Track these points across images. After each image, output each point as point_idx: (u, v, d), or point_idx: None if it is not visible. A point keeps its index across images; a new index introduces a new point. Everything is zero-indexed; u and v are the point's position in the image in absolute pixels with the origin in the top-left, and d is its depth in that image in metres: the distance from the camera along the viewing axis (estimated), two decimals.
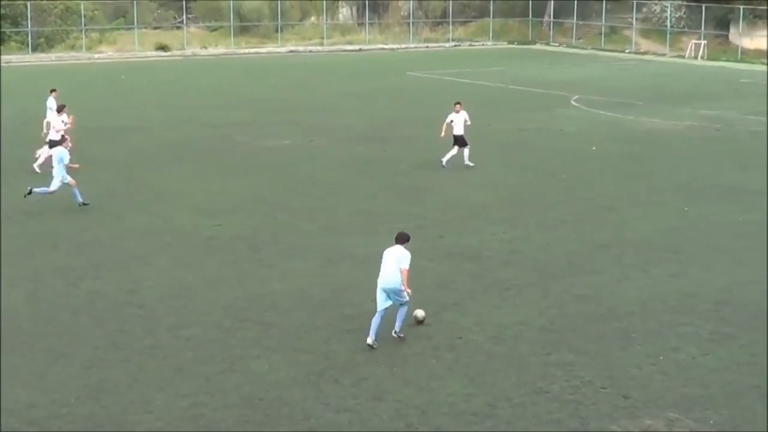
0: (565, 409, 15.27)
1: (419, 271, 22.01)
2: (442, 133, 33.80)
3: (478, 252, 23.69)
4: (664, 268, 22.55)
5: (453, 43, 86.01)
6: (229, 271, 22.07)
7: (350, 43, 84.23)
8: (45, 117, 34.10)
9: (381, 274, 18.05)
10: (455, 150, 33.61)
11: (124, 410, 15.13)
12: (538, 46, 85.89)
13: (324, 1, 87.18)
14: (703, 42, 77.53)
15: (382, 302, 17.90)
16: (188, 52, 76.43)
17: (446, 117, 33.79)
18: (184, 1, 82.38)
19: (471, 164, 33.63)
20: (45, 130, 32.54)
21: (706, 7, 78.90)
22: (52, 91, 36.09)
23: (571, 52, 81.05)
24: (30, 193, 27.45)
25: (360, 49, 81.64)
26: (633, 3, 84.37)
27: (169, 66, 68.37)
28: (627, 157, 35.88)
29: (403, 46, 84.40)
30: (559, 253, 23.69)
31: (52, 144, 30.63)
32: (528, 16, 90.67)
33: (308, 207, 28.27)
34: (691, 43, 78.14)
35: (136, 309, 19.53)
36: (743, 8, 77.19)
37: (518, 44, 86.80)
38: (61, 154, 27.35)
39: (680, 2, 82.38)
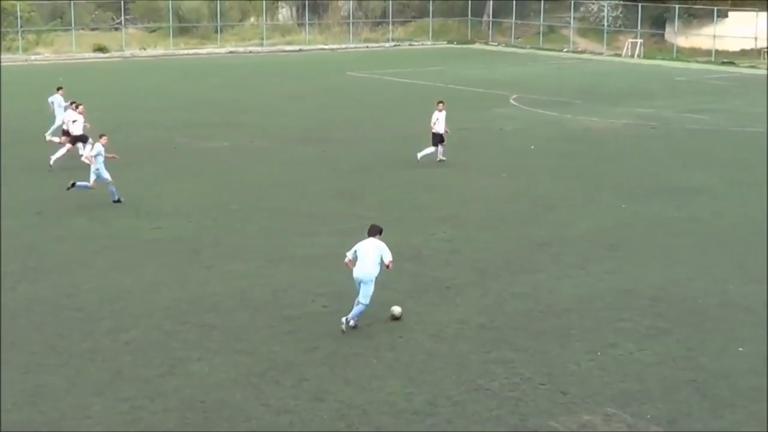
0: (504, 406, 15.37)
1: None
2: (434, 131, 34.24)
3: (419, 252, 23.76)
4: (602, 265, 22.76)
5: (393, 43, 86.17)
6: (168, 274, 21.96)
7: (290, 43, 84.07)
8: (54, 115, 36.56)
9: (358, 265, 18.57)
10: (433, 148, 34.09)
11: (62, 416, 15.01)
12: (477, 46, 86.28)
13: (264, 2, 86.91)
14: (639, 41, 78.30)
15: (365, 296, 18.54)
16: (127, 53, 75.90)
17: (431, 116, 34.34)
18: (122, 2, 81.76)
19: (444, 159, 34.13)
20: (65, 128, 33.68)
21: (642, 7, 79.70)
22: (59, 89, 37.60)
23: (510, 52, 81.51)
24: (73, 186, 28.20)
25: (300, 50, 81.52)
26: (571, 2, 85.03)
27: (107, 67, 67.86)
28: (565, 155, 36.14)
29: (343, 46, 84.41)
30: (498, 251, 23.83)
31: (76, 139, 32.66)
32: (467, 16, 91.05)
33: (248, 208, 28.19)
34: (627, 42, 78.87)
35: (75, 313, 19.37)
36: (678, 7, 78.07)
37: (457, 44, 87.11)
38: (98, 149, 28.35)
39: (617, 2, 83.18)
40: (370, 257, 18.53)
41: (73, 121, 33.08)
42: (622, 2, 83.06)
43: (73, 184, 28.22)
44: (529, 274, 22.07)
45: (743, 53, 74.73)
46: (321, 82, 59.28)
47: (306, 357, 17.23)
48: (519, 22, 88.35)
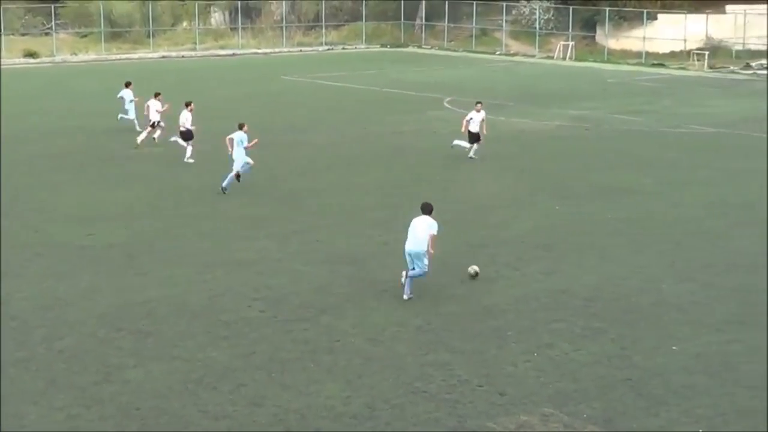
0: (442, 408, 15.41)
1: (297, 275, 22.08)
2: (463, 129, 35.40)
3: (355, 255, 23.76)
4: (537, 266, 22.91)
5: (326, 47, 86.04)
6: (103, 281, 21.75)
7: (223, 47, 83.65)
8: (126, 109, 40.93)
9: (409, 240, 20.32)
10: (468, 144, 35.36)
11: None
12: (410, 49, 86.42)
13: (196, 6, 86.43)
14: (570, 43, 78.90)
15: (410, 265, 20.35)
16: (58, 58, 75.05)
17: (466, 115, 35.78)
18: (52, 7, 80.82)
19: (475, 157, 35.26)
20: (151, 118, 37.86)
21: (573, 9, 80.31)
22: (128, 84, 41.55)
23: (444, 55, 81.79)
24: (238, 178, 30.18)
25: (233, 54, 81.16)
26: (503, 5, 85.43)
27: (38, 73, 67.10)
28: (500, 157, 36.31)
29: (277, 50, 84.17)
30: (434, 253, 23.85)
31: (186, 135, 35.31)
32: (400, 20, 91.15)
33: (184, 213, 28.03)
34: (559, 44, 79.43)
35: (8, 321, 19.11)
36: (609, 10, 78.77)
37: (391, 47, 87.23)
38: (240, 137, 30.14)
39: (548, 4, 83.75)
40: (420, 233, 20.27)
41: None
42: (553, 5, 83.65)
43: (238, 176, 30.24)
44: (465, 275, 22.12)
45: (673, 55, 75.58)
46: (255, 86, 59.07)
47: (243, 362, 17.15)
48: (452, 25, 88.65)
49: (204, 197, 30.00)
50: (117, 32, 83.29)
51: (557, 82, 62.44)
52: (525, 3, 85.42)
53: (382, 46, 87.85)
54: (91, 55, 77.13)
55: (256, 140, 30.88)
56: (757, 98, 54.37)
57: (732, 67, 70.14)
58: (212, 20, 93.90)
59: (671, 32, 76.28)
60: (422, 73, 66.30)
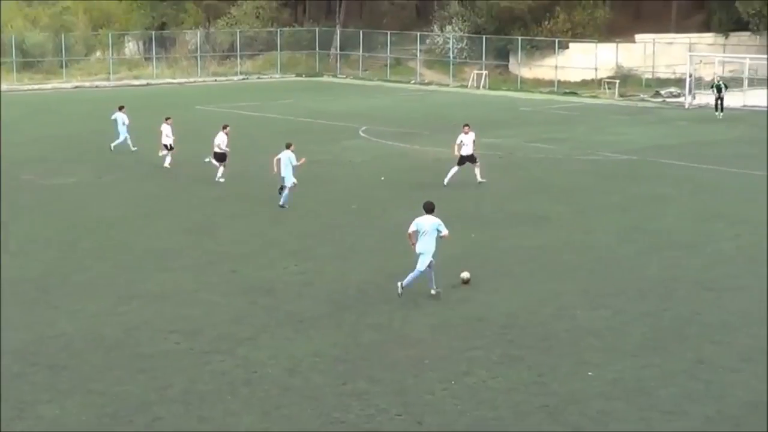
0: None
1: (213, 306, 21.93)
2: (455, 152, 36.32)
3: (272, 285, 23.67)
4: (453, 294, 22.99)
5: (241, 77, 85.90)
6: (15, 315, 21.37)
7: (137, 77, 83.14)
8: (118, 132, 43.30)
9: (422, 240, 22.11)
10: (457, 169, 36.15)
11: None
12: (325, 78, 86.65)
13: (110, 36, 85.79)
14: (484, 72, 79.67)
15: (422, 264, 22.10)
16: None
17: (456, 138, 36.73)
18: None
19: (483, 180, 36.08)
20: (164, 142, 40.29)
21: (486, 39, 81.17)
22: (121, 108, 44.21)
23: (359, 84, 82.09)
24: (281, 189, 32.32)
25: (148, 84, 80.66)
26: (417, 35, 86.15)
27: None
28: (415, 186, 36.44)
29: (192, 80, 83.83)
30: (351, 283, 23.89)
31: (220, 157, 36.84)
32: (315, 49, 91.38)
33: (97, 246, 27.72)
34: (473, 73, 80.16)
35: None
36: (521, 39, 79.74)
37: (306, 77, 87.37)
38: (289, 156, 32.01)
39: (461, 34, 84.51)
40: (429, 233, 22.14)
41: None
42: (466, 34, 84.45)
43: (281, 188, 32.39)
44: (382, 304, 22.16)
45: (584, 83, 76.68)
46: (170, 115, 58.55)
47: (159, 395, 16.97)
48: (366, 54, 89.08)
49: (118, 229, 29.70)
50: (29, 62, 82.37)
51: (471, 110, 62.87)
52: (438, 33, 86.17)
53: (297, 75, 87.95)
54: (3, 86, 75.98)
55: (303, 159, 32.34)
56: (666, 125, 55.37)
57: (642, 95, 71.32)
58: (126, 50, 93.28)
59: (582, 61, 77.44)
60: (337, 103, 66.44)
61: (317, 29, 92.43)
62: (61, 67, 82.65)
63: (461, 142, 36.24)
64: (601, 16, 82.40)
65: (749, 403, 16.75)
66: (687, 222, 30.69)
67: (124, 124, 43.61)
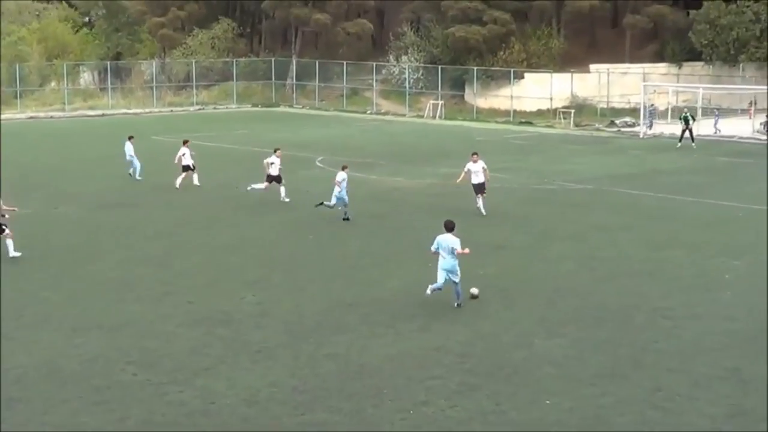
0: None
1: (170, 337, 21.80)
2: (459, 179, 37.17)
3: (229, 316, 23.58)
4: (411, 323, 23.00)
5: (197, 107, 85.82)
6: None
7: (93, 108, 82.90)
8: (127, 161, 45.23)
9: (443, 258, 23.61)
10: (476, 197, 36.66)
11: None
12: (282, 109, 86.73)
13: (65, 66, 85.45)
14: (440, 102, 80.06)
15: (441, 280, 23.71)
16: None
17: (463, 166, 37.32)
18: None
19: (484, 213, 36.30)
20: (185, 163, 42.60)
21: (442, 69, 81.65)
22: (130, 137, 46.13)
23: (315, 114, 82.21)
24: (320, 204, 35.66)
25: (103, 114, 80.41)
26: (372, 65, 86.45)
27: None
28: (372, 215, 36.51)
29: (147, 110, 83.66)
30: (308, 313, 23.85)
31: (276, 178, 38.78)
32: (271, 79, 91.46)
33: (52, 276, 27.51)
34: (429, 103, 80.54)
35: None
36: (476, 69, 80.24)
37: (262, 107, 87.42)
38: (343, 176, 34.85)
39: (417, 64, 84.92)
40: (449, 251, 23.53)
41: (271, 164, 38.97)
42: (422, 64, 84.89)
43: (321, 203, 35.39)
44: (339, 334, 22.13)
45: (540, 113, 77.26)
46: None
47: (116, 427, 16.84)
48: (322, 84, 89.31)
49: (73, 260, 29.50)
50: None
51: (428, 140, 63.21)
52: (394, 63, 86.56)
53: (254, 105, 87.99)
54: None
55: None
56: (621, 155, 55.84)
57: (597, 125, 71.91)
58: (81, 80, 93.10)
59: (538, 91, 78.07)
60: (294, 133, 66.43)
61: (273, 59, 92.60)
62: (16, 97, 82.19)
63: (468, 170, 36.70)
64: (556, 46, 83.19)
65: (706, 431, 16.85)
66: (643, 250, 30.91)
67: (131, 156, 45.43)
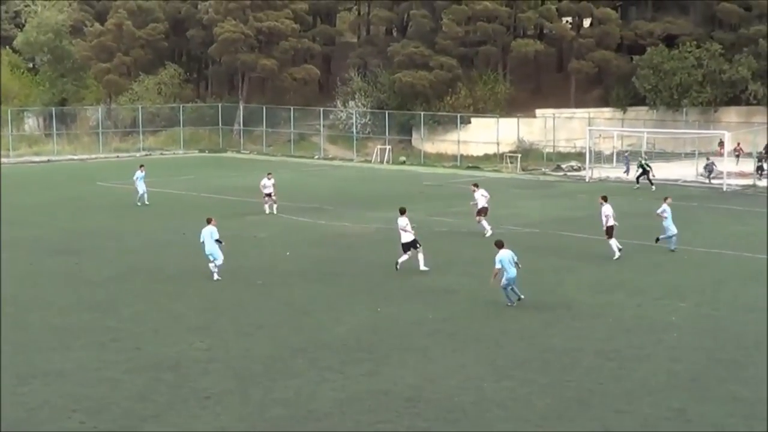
0: None
1: (116, 384, 21.71)
2: (476, 212, 42.34)
3: (176, 362, 23.52)
4: (360, 368, 23.08)
5: (144, 152, 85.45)
6: None
7: (38, 154, 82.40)
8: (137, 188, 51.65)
9: (508, 269, 28.74)
10: (485, 224, 41.70)
11: None
12: (229, 154, 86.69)
13: (9, 112, 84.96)
14: (388, 147, 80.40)
15: (509, 283, 28.79)
16: None
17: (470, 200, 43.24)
18: None
19: (489, 233, 40.81)
20: (265, 192, 49.03)
21: (389, 114, 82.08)
22: (141, 166, 54.02)
23: (263, 159, 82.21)
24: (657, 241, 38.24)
25: (48, 160, 79.97)
26: (320, 110, 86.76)
27: None
28: (320, 260, 36.60)
29: (93, 156, 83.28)
30: (257, 358, 23.85)
31: (412, 244, 35.53)
32: (218, 125, 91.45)
33: None
34: (376, 148, 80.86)
35: None
36: (423, 114, 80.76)
37: (209, 152, 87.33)
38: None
39: (365, 109, 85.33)
40: (511, 262, 28.82)
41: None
42: (369, 110, 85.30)
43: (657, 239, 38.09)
44: (288, 379, 22.16)
45: (487, 157, 77.75)
46: (70, 192, 58.28)
47: None
48: (270, 130, 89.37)
49: (17, 307, 29.27)
50: None
51: (375, 185, 63.45)
52: (342, 108, 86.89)
53: (200, 151, 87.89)
54: None
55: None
56: (567, 198, 56.36)
57: (543, 169, 72.52)
58: (26, 126, 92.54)
59: (484, 135, 78.68)
60: (241, 178, 66.39)
61: (220, 105, 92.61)
62: None
63: (475, 202, 42.53)
64: (502, 91, 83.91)
65: None
66: (588, 293, 31.22)
67: (140, 180, 52.14)
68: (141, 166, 54.37)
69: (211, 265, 32.96)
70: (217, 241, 32.96)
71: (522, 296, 29.13)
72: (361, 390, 21.45)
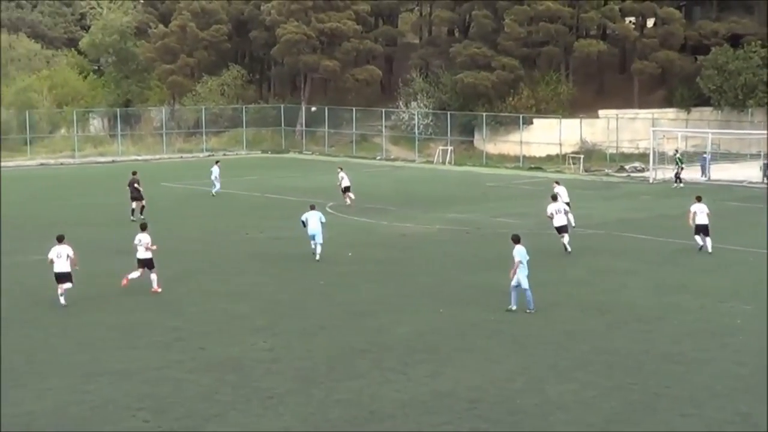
0: None
1: (180, 383, 21.83)
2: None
3: (239, 362, 23.61)
4: (422, 369, 23.02)
5: (207, 153, 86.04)
6: None
7: (103, 154, 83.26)
8: (214, 182, 56.59)
9: (525, 266, 28.27)
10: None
11: None
12: (291, 155, 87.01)
13: (74, 113, 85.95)
14: (450, 148, 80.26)
15: (524, 282, 28.27)
16: None
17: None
18: None
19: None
20: (344, 185, 52.53)
21: (451, 114, 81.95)
22: (217, 162, 59.27)
23: (324, 160, 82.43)
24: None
25: (113, 161, 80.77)
26: (382, 111, 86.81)
27: None
28: (382, 261, 36.59)
29: (157, 156, 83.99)
30: (319, 359, 23.88)
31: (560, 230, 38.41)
32: (281, 126, 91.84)
33: (62, 323, 27.58)
34: (438, 149, 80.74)
35: None
36: (485, 115, 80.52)
37: (272, 153, 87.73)
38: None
39: (426, 110, 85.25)
40: (524, 260, 28.36)
41: (562, 211, 39.63)
42: (431, 110, 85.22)
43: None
44: (350, 380, 22.16)
45: (549, 158, 77.41)
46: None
47: None
48: (332, 131, 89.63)
49: (80, 307, 29.55)
50: None
51: (437, 186, 63.36)
52: (404, 109, 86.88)
53: (263, 152, 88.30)
54: None
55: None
56: (630, 199, 55.91)
57: (606, 170, 72.02)
58: (91, 127, 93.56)
59: (547, 136, 78.28)
60: (303, 179, 66.68)
61: (282, 106, 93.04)
62: (26, 144, 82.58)
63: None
64: (565, 92, 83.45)
65: None
66: (652, 295, 30.92)
67: (215, 177, 56.28)
68: (217, 162, 59.19)
69: (312, 244, 36.84)
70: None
71: (531, 310, 28.40)
72: (423, 391, 21.39)
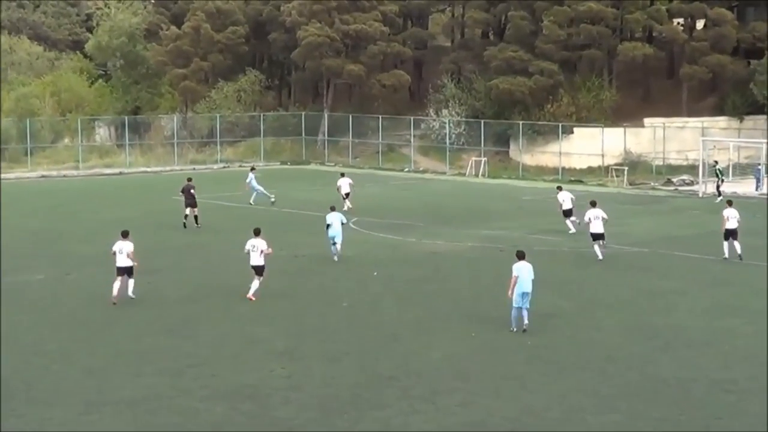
0: None
1: (191, 413, 21.85)
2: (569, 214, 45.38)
3: (256, 390, 23.63)
4: (453, 398, 22.99)
5: (222, 165, 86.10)
6: None
7: (109, 166, 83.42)
8: (254, 189, 59.47)
9: (522, 282, 28.55)
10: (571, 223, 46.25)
11: None
12: (312, 166, 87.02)
13: (79, 122, 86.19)
14: (483, 159, 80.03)
15: (519, 301, 28.47)
16: None
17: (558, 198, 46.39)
18: None
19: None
20: (344, 192, 56.90)
21: (485, 123, 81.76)
22: (252, 168, 63.42)
23: (349, 172, 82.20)
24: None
25: (121, 173, 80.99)
26: (410, 119, 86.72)
27: None
28: (410, 281, 36.57)
29: (168, 168, 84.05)
30: (342, 387, 23.87)
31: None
32: (301, 135, 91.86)
33: (65, 348, 27.65)
34: (471, 161, 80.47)
35: None
36: (522, 124, 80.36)
37: (292, 164, 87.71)
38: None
39: (459, 118, 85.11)
40: (527, 276, 28.75)
41: (600, 218, 41.29)
42: (464, 119, 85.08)
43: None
44: (376, 410, 22.15)
45: (590, 170, 77.08)
46: (144, 207, 58.95)
47: None
48: (356, 140, 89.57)
49: (86, 330, 29.68)
50: None
51: (470, 200, 63.29)
52: (434, 117, 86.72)
53: (282, 163, 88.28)
54: None
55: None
56: (677, 215, 55.73)
57: (652, 183, 71.81)
58: (97, 136, 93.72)
59: (588, 147, 78.00)
60: (325, 192, 66.61)
61: (303, 114, 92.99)
62: (26, 154, 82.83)
63: (563, 200, 45.40)
64: (608, 98, 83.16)
65: None
66: (701, 318, 30.81)
67: (250, 182, 59.56)
68: (252, 168, 63.84)
69: (332, 248, 39.93)
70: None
71: (526, 326, 28.84)
72: (454, 422, 21.37)
